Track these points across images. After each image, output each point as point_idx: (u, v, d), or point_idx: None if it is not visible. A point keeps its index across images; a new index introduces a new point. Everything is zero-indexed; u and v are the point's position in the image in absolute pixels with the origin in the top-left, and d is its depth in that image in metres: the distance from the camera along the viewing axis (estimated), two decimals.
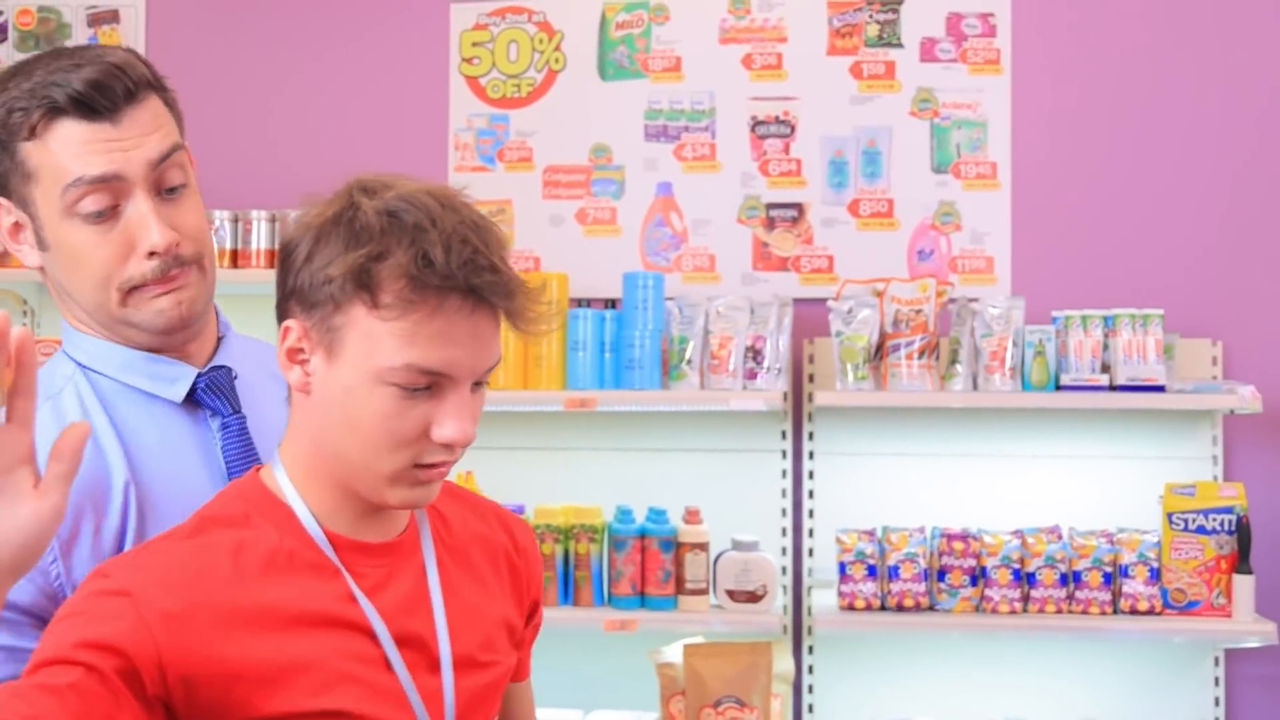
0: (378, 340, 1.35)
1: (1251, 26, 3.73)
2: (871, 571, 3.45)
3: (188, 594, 1.34)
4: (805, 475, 3.70)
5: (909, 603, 3.44)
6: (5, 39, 4.07)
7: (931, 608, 3.46)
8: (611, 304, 3.74)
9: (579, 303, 3.69)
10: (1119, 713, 3.55)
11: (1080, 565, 3.41)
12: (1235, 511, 3.39)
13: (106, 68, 1.50)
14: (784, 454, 3.70)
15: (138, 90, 1.52)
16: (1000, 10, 3.79)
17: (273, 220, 3.71)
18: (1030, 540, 3.45)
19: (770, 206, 3.83)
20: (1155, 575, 3.40)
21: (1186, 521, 3.39)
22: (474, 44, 3.95)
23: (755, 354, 3.55)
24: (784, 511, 3.69)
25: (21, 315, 3.94)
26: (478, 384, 1.42)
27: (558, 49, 3.92)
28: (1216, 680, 3.58)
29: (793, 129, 3.84)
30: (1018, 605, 3.42)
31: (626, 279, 3.59)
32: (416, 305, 1.34)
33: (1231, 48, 3.73)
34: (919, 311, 3.50)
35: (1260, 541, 3.48)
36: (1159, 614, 3.38)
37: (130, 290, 1.53)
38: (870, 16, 3.84)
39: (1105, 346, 3.46)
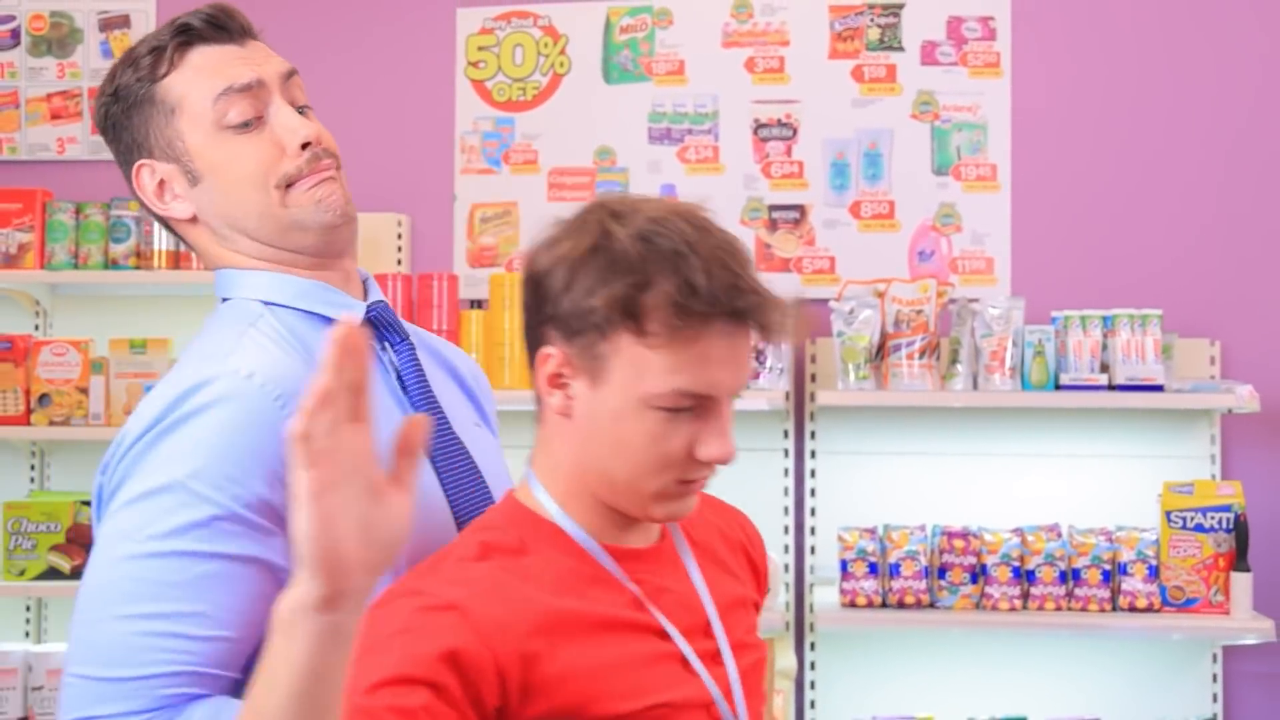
0: (644, 367, 1.38)
1: (1246, 29, 3.73)
2: (873, 569, 3.45)
3: (508, 606, 1.37)
4: (807, 474, 3.69)
5: (910, 600, 3.43)
6: (18, 43, 4.07)
7: (932, 605, 3.46)
8: None
9: None
10: (1118, 709, 3.55)
11: (1079, 563, 3.41)
12: (1233, 510, 3.38)
13: (224, 5, 1.59)
14: (786, 453, 3.70)
15: (251, 28, 1.62)
16: (1000, 14, 3.79)
17: None
18: (1030, 538, 3.45)
19: (773, 208, 3.83)
20: (1154, 573, 3.39)
21: (1185, 520, 3.39)
22: (480, 48, 3.95)
23: (758, 354, 3.54)
24: (786, 510, 3.69)
25: (34, 316, 3.94)
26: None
27: (563, 53, 3.92)
28: (1215, 677, 3.58)
29: (795, 131, 3.84)
30: (1018, 602, 3.42)
31: None
32: (682, 332, 1.37)
33: (1227, 50, 3.73)
34: (920, 312, 3.50)
35: (1258, 539, 3.48)
36: (1158, 611, 3.38)
37: (288, 186, 1.57)
38: (871, 20, 3.84)
39: (1104, 346, 3.46)
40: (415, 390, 1.62)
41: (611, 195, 1.48)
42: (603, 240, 1.40)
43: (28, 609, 3.89)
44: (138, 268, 3.73)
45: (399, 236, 3.86)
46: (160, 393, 1.45)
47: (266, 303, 1.58)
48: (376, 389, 1.46)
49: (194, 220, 1.61)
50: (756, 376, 3.53)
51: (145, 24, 4.04)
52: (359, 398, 1.08)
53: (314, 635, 1.08)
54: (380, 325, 1.64)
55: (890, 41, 3.83)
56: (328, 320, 1.56)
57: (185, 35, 1.56)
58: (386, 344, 1.64)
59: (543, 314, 1.44)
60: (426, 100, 3.95)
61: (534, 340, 1.46)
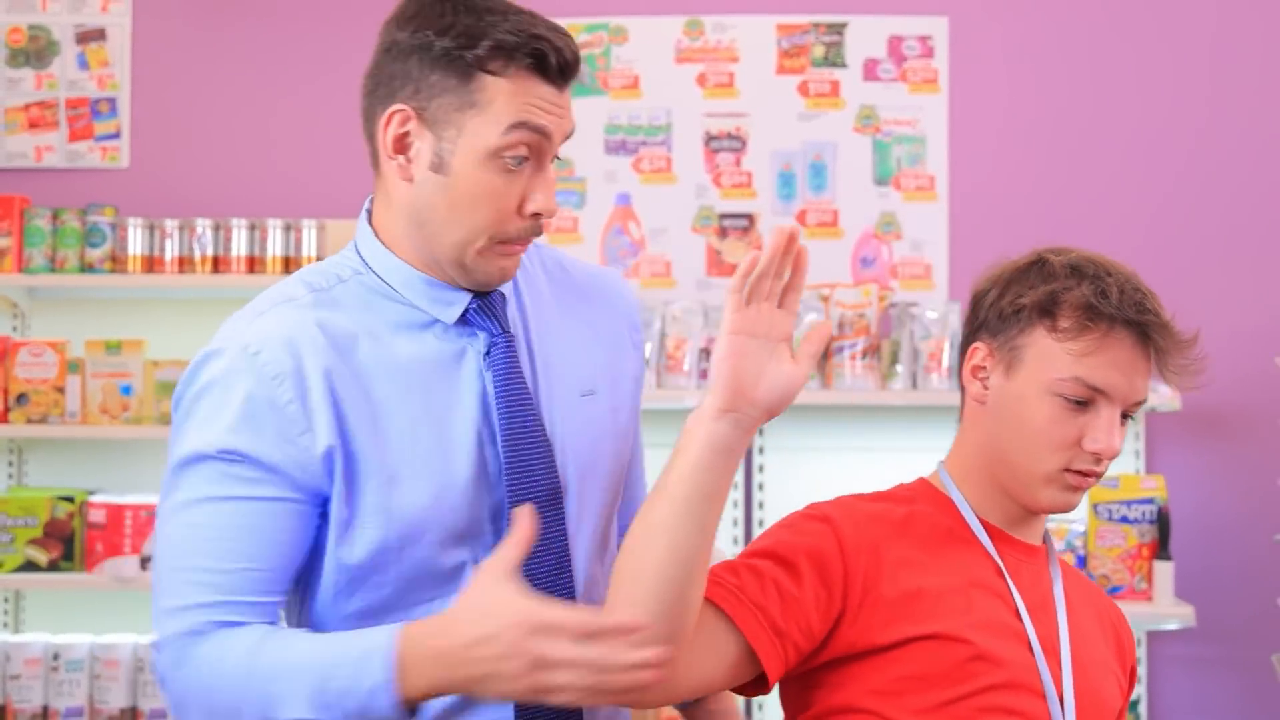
0: (1053, 357, 1.55)
1: (1169, 48, 3.77)
2: None
3: (870, 531, 1.57)
4: (756, 468, 3.70)
5: None
6: None
7: None
8: None
9: None
10: None
11: None
12: (1156, 503, 3.42)
13: (572, 43, 1.53)
14: None
15: (576, 74, 1.56)
16: (938, 33, 3.82)
17: (252, 228, 3.69)
18: None
19: (723, 216, 3.84)
20: (1082, 562, 3.42)
21: (1111, 512, 3.42)
22: None
23: (709, 355, 3.56)
24: (736, 502, 3.69)
25: (12, 318, 3.90)
26: (1125, 417, 1.58)
27: None
28: (1140, 661, 3.62)
29: (744, 143, 3.84)
30: None
31: None
32: (1090, 330, 1.54)
33: (1153, 67, 3.77)
34: (862, 315, 3.51)
35: (1179, 531, 3.51)
36: None
37: (498, 243, 1.52)
38: (816, 39, 3.86)
39: None
40: (502, 381, 1.57)
41: (1057, 246, 1.67)
42: (1037, 264, 1.61)
43: (5, 601, 3.84)
44: (113, 271, 3.70)
45: None
46: (198, 354, 1.54)
47: (370, 269, 1.57)
48: (437, 368, 1.56)
49: (408, 181, 1.52)
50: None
51: (121, 37, 4.01)
52: (787, 291, 1.40)
53: (708, 436, 1.37)
54: (481, 314, 1.58)
55: (834, 59, 3.84)
56: (414, 310, 1.56)
57: (534, 60, 1.48)
58: (480, 333, 1.57)
59: (975, 322, 1.63)
60: None
61: (966, 345, 1.65)
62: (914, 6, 3.84)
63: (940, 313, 3.48)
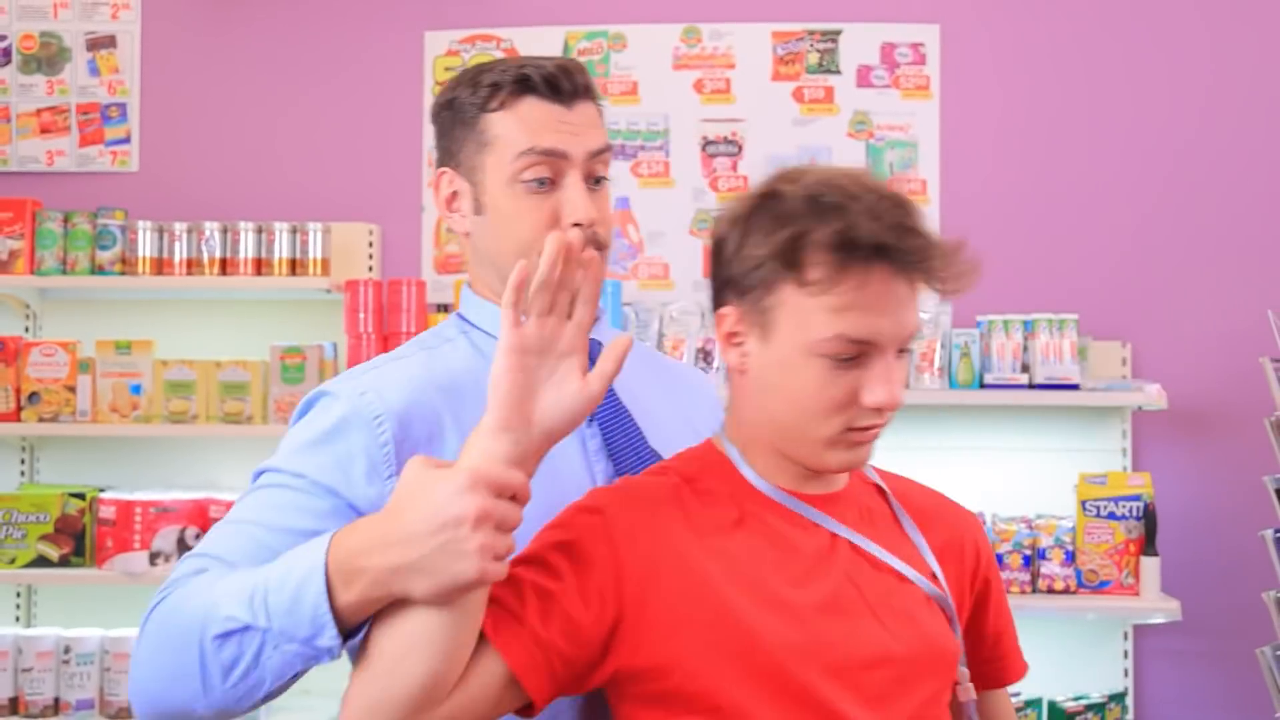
0: (807, 316, 1.33)
1: (1163, 52, 3.77)
2: None
3: (648, 515, 1.39)
4: None
5: None
6: (9, 61, 4.03)
7: None
8: None
9: None
10: (1037, 683, 3.57)
11: (1002, 548, 3.43)
12: (1143, 499, 3.42)
13: (569, 62, 1.60)
14: None
15: (588, 89, 1.61)
16: (930, 41, 3.82)
17: (259, 231, 3.69)
18: None
19: None
20: (1070, 557, 3.42)
21: (1098, 508, 3.42)
22: (447, 69, 3.94)
23: (706, 355, 3.56)
24: None
25: (24, 318, 3.90)
26: (901, 351, 1.39)
27: None
28: (1126, 653, 3.61)
29: (740, 148, 3.85)
30: None
31: None
32: (844, 276, 1.32)
33: (1138, 76, 3.77)
34: None
35: (1165, 526, 3.52)
36: (1074, 593, 3.41)
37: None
38: (811, 46, 3.86)
39: (1025, 348, 3.49)
40: (608, 422, 1.62)
41: (789, 165, 1.42)
42: (770, 198, 1.37)
43: (18, 595, 3.84)
44: (123, 273, 3.70)
45: (370, 245, 3.84)
46: (311, 392, 1.59)
47: (474, 326, 1.65)
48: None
49: (466, 235, 1.64)
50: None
51: (130, 44, 4.01)
52: (577, 303, 1.28)
53: (483, 454, 1.24)
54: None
55: (828, 65, 3.85)
56: None
57: (523, 85, 1.56)
58: None
59: (720, 278, 1.42)
60: (396, 117, 3.93)
61: (715, 305, 1.44)
62: (906, 14, 3.84)
63: (932, 314, 3.48)
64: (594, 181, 1.59)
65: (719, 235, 1.42)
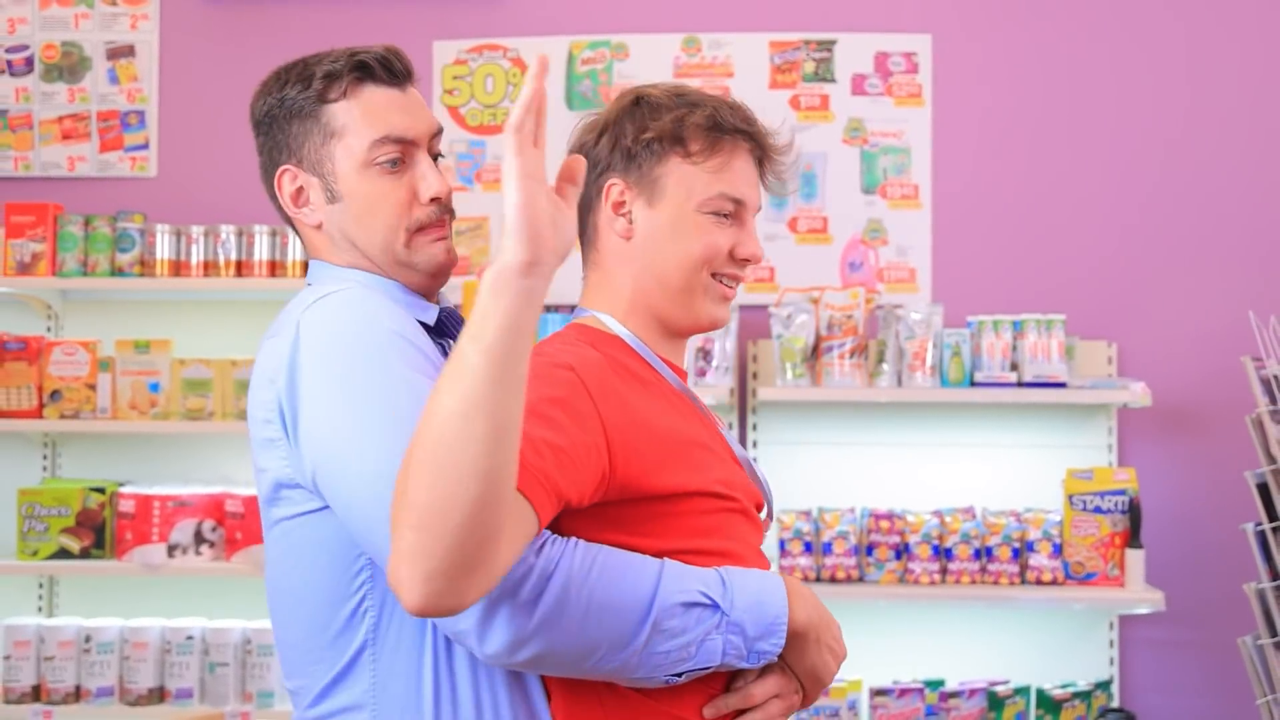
0: (693, 180, 1.55)
1: (1147, 62, 3.77)
2: (808, 547, 3.47)
3: (603, 375, 1.48)
4: None
5: (841, 575, 3.45)
6: (32, 70, 4.03)
7: (861, 579, 3.47)
8: None
9: (548, 309, 3.68)
10: (1026, 672, 3.57)
11: (992, 541, 3.44)
12: (1128, 494, 3.42)
13: (391, 47, 1.63)
14: None
15: (412, 71, 1.65)
16: (923, 50, 3.82)
17: (274, 234, 3.69)
18: (948, 519, 3.47)
19: None
20: (1058, 550, 3.42)
21: (1085, 502, 3.42)
22: (455, 77, 3.94)
23: (705, 354, 3.56)
24: None
25: (46, 319, 3.90)
26: None
27: None
28: (1111, 643, 3.62)
29: None
30: (937, 577, 3.44)
31: None
32: (718, 150, 1.55)
33: (1122, 84, 3.77)
34: (850, 317, 3.51)
35: (1150, 520, 3.52)
36: (1061, 584, 3.41)
37: (415, 232, 1.59)
38: (807, 55, 3.86)
39: (1014, 347, 3.49)
40: None
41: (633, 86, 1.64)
42: (642, 101, 1.58)
43: (40, 586, 3.84)
44: (141, 275, 3.70)
45: None
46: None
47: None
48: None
49: (318, 227, 1.61)
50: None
51: (149, 53, 4.01)
52: (540, 125, 1.23)
53: (517, 293, 1.19)
54: (453, 321, 1.67)
55: (824, 74, 3.84)
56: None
57: (361, 72, 1.59)
58: (450, 340, 1.64)
59: (601, 164, 1.57)
60: None
61: (590, 189, 1.57)
62: (900, 24, 3.84)
63: (924, 314, 3.48)
64: (435, 158, 1.63)
65: (586, 140, 1.59)
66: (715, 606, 1.40)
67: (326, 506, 1.43)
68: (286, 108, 1.60)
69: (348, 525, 1.40)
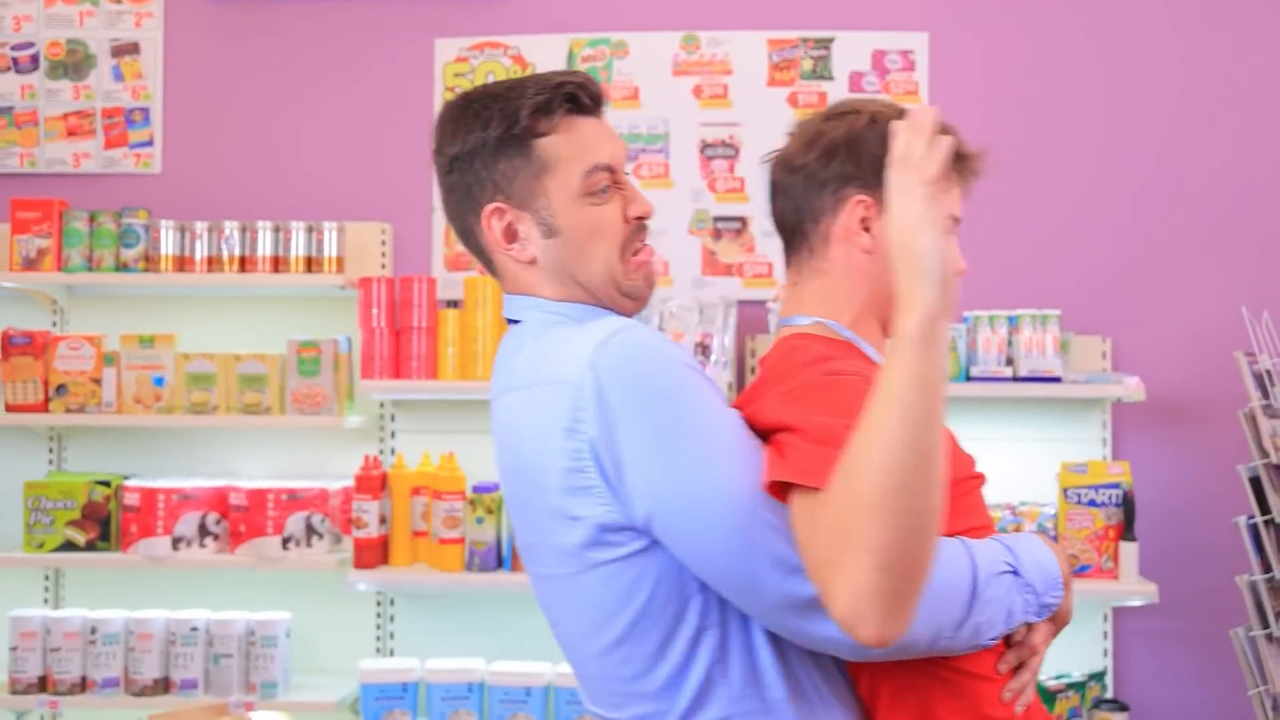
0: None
1: (1143, 62, 3.77)
2: None
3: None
4: None
5: None
6: (37, 68, 4.02)
7: None
8: None
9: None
10: None
11: None
12: (1122, 487, 3.42)
13: (584, 74, 1.62)
14: None
15: (603, 99, 1.64)
16: (919, 48, 3.81)
17: (277, 230, 3.68)
18: None
19: (717, 219, 3.83)
20: (1053, 542, 3.42)
21: (1079, 495, 3.42)
22: (456, 75, 3.94)
23: (704, 349, 3.55)
24: None
25: (51, 314, 3.90)
26: None
27: None
28: (1105, 634, 3.62)
29: (737, 151, 3.84)
30: None
31: None
32: (951, 173, 1.62)
33: (1117, 81, 3.77)
34: None
35: (1143, 513, 3.52)
36: None
37: (629, 257, 1.60)
38: (805, 53, 3.85)
39: (1010, 342, 3.49)
40: None
41: (848, 99, 1.70)
42: (876, 118, 1.63)
43: (46, 578, 3.85)
44: (146, 270, 3.70)
45: (383, 243, 3.84)
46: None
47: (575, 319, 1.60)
48: None
49: (531, 263, 1.58)
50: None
51: (154, 50, 4.00)
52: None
53: (942, 338, 1.28)
54: None
55: (822, 71, 3.84)
56: None
57: (570, 104, 1.57)
58: None
59: (837, 179, 1.61)
60: (408, 121, 3.93)
61: (819, 200, 1.61)
62: (896, 23, 3.83)
63: None
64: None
65: (817, 144, 1.62)
66: (1015, 571, 1.50)
67: (652, 544, 1.45)
68: (491, 146, 1.57)
69: (698, 557, 1.43)
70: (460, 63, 3.93)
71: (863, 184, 1.61)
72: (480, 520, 3.46)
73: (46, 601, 3.84)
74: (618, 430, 1.42)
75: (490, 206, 1.57)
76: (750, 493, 1.40)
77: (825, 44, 3.84)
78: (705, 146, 3.85)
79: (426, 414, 3.76)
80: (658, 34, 3.89)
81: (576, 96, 1.57)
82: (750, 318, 3.72)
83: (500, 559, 3.48)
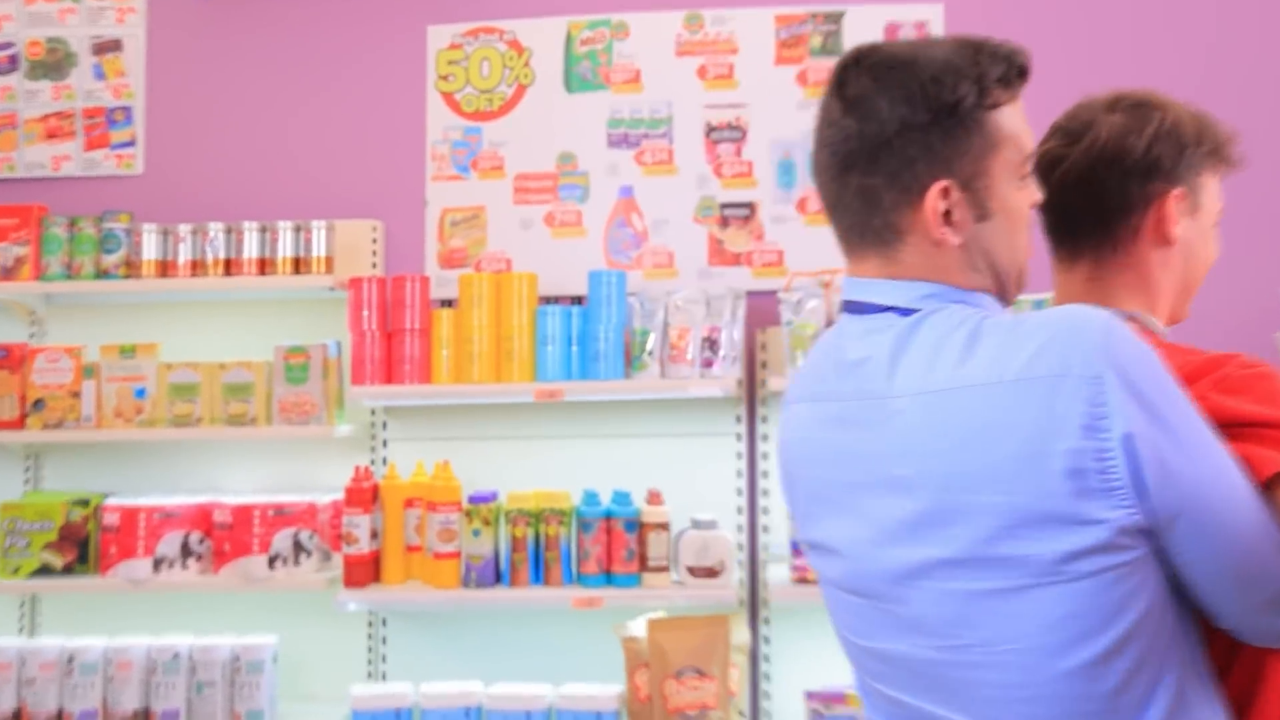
0: (1215, 194, 1.65)
1: (1169, 30, 3.51)
2: None
3: None
4: (759, 457, 3.45)
5: None
6: (16, 68, 3.84)
7: None
8: (578, 301, 3.51)
9: (547, 300, 3.46)
10: None
11: None
12: None
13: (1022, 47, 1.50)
14: (739, 437, 3.46)
15: None
16: (934, 19, 3.55)
17: (263, 231, 3.48)
18: None
19: (724, 206, 3.58)
20: None
21: None
22: (449, 62, 3.71)
23: (712, 344, 3.31)
24: (739, 491, 3.44)
25: (29, 324, 3.70)
26: None
27: (526, 65, 3.68)
28: None
29: (744, 133, 3.59)
30: None
31: (591, 277, 3.35)
32: (1228, 171, 1.66)
33: (1151, 52, 3.51)
34: None
35: None
36: None
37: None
38: (814, 28, 3.60)
39: None
40: None
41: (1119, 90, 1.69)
42: (1182, 117, 1.63)
43: (22, 605, 3.64)
44: (127, 276, 3.51)
45: (374, 241, 3.62)
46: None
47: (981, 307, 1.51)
48: None
49: (960, 245, 1.44)
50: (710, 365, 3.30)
51: (136, 48, 3.81)
52: None
53: None
54: None
55: (832, 48, 3.59)
56: None
57: (1023, 77, 1.46)
58: None
59: (1158, 171, 1.59)
60: (399, 112, 3.71)
61: (1136, 193, 1.59)
62: None
63: None
64: None
65: (1173, 138, 1.61)
66: None
67: (1149, 552, 1.35)
68: (959, 113, 1.41)
69: (1213, 552, 1.35)
70: (454, 49, 3.71)
71: (1169, 176, 1.60)
72: (477, 533, 3.24)
73: (21, 630, 3.63)
74: (1155, 425, 1.32)
75: (941, 183, 1.41)
76: (1247, 482, 1.36)
77: (836, 18, 3.58)
78: (711, 130, 3.60)
79: (420, 421, 3.54)
80: (659, 14, 3.65)
81: (1027, 70, 1.45)
82: (760, 309, 3.46)
83: (499, 574, 3.26)
